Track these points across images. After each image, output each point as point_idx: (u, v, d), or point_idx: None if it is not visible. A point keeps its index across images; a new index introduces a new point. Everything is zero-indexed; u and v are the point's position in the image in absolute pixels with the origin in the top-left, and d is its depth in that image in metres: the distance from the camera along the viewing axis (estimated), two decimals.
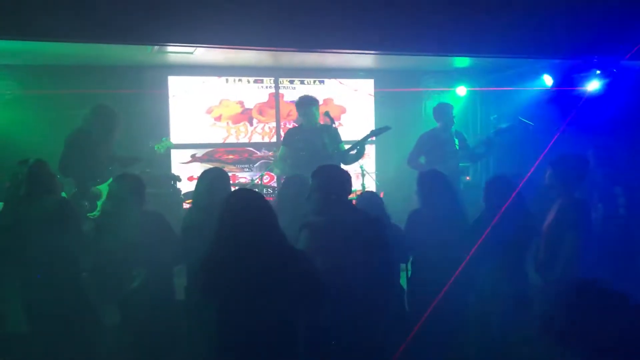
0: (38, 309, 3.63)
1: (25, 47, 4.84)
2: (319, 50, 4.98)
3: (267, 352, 2.60)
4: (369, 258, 3.22)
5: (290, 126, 6.91)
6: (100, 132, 4.96)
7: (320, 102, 5.64)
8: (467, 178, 7.03)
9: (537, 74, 6.52)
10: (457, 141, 6.08)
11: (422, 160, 5.99)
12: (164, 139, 5.78)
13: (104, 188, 4.84)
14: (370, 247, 3.26)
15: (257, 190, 4.96)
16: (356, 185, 6.63)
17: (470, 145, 6.14)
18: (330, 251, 3.16)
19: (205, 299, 2.73)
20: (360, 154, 5.49)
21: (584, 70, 6.04)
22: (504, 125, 6.02)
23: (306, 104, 5.39)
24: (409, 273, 4.16)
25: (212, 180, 3.92)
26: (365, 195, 4.44)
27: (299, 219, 3.48)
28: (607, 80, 5.90)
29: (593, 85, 5.97)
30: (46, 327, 3.59)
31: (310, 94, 5.57)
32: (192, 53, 5.60)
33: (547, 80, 6.50)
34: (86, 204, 4.81)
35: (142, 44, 4.67)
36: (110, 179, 5.07)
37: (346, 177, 3.42)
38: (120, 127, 5.06)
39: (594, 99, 5.92)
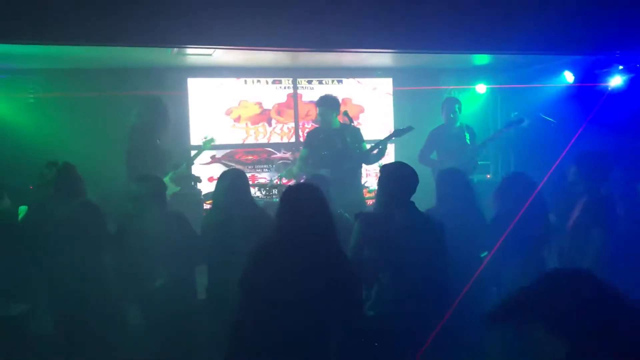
0: (63, 308, 3.68)
1: (47, 51, 4.91)
2: (337, 50, 4.97)
3: (298, 351, 2.60)
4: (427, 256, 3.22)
5: (309, 126, 6.92)
6: (155, 123, 5.18)
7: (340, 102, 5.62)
8: (488, 176, 6.98)
9: (558, 70, 6.44)
10: (467, 136, 6.04)
11: (434, 156, 5.99)
12: (206, 136, 5.86)
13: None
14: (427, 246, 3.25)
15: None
16: (375, 185, 6.61)
17: (478, 141, 6.08)
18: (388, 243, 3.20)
19: (249, 293, 2.70)
20: (381, 154, 5.49)
21: (606, 66, 5.96)
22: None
23: (327, 103, 5.40)
24: None
25: (231, 181, 3.95)
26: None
27: None
28: (630, 76, 5.81)
29: (616, 81, 5.88)
30: (71, 327, 3.64)
31: (330, 93, 5.58)
32: (211, 55, 5.62)
33: (569, 76, 6.42)
34: None
35: (162, 47, 4.69)
36: (170, 173, 5.22)
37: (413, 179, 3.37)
38: (170, 117, 5.29)
39: (617, 95, 5.83)
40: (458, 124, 6.05)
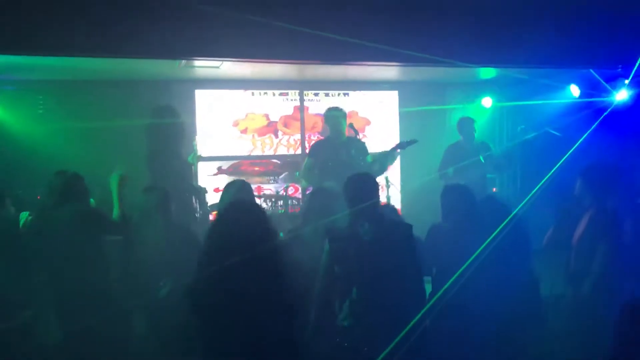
0: (68, 316, 3.69)
1: (55, 63, 4.97)
2: (343, 62, 5.02)
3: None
4: (396, 266, 3.25)
5: (315, 138, 6.94)
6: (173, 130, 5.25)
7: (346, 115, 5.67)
8: (494, 190, 6.97)
9: (564, 84, 6.45)
10: (481, 154, 6.15)
11: (451, 171, 6.08)
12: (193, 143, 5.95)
13: None
14: (397, 255, 3.29)
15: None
16: (381, 197, 6.62)
17: (495, 155, 6.21)
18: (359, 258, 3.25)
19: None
20: (386, 167, 5.53)
21: (611, 80, 5.96)
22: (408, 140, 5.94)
23: (333, 115, 5.45)
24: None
25: (236, 192, 3.97)
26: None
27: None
28: (636, 90, 5.81)
29: (621, 95, 5.88)
30: (75, 335, 3.64)
31: (337, 105, 5.64)
32: (218, 67, 5.68)
33: (574, 90, 6.43)
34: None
35: (169, 59, 4.75)
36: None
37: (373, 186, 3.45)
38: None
39: (622, 108, 5.83)
40: (474, 141, 6.21)
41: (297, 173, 6.30)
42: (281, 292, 2.63)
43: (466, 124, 6.40)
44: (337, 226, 3.47)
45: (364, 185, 3.43)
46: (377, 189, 3.46)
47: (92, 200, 4.20)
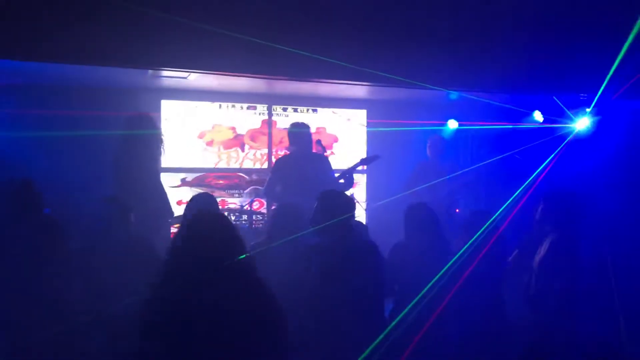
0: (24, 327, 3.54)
1: (23, 67, 4.83)
2: (311, 79, 5.02)
3: None
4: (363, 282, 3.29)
5: (282, 153, 6.90)
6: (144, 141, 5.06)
7: (313, 131, 5.65)
8: (457, 210, 7.04)
9: (529, 110, 6.59)
10: (450, 173, 6.24)
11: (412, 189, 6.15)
12: None
13: None
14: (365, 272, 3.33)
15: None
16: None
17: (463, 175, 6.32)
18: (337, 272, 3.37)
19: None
20: (350, 183, 5.52)
21: (574, 107, 6.12)
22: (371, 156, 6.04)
23: (299, 130, 5.42)
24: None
25: (201, 205, 3.90)
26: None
27: (291, 245, 3.52)
28: (597, 118, 5.97)
29: (583, 122, 6.04)
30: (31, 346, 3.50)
31: (303, 121, 5.62)
32: (185, 78, 5.60)
33: (538, 116, 6.58)
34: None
35: (137, 68, 4.66)
36: None
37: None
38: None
39: (585, 136, 5.99)
40: (442, 161, 6.29)
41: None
42: (251, 304, 2.58)
43: (436, 143, 6.48)
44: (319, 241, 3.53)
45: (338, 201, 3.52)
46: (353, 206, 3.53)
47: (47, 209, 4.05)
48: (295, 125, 5.53)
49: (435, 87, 4.82)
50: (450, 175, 6.21)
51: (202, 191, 6.20)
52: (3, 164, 5.11)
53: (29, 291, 3.52)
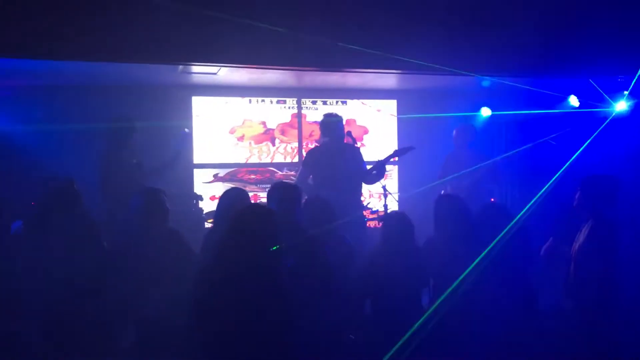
0: (57, 326, 3.62)
1: (54, 68, 4.93)
2: (341, 69, 4.99)
3: None
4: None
5: (312, 146, 6.90)
6: (120, 144, 5.04)
7: (344, 122, 5.62)
8: (492, 200, 6.93)
9: (564, 94, 6.43)
10: (479, 163, 6.14)
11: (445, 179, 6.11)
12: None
13: None
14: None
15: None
16: (378, 206, 6.58)
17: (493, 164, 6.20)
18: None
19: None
20: (381, 174, 5.48)
21: (611, 91, 5.95)
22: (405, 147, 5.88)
23: (331, 121, 5.40)
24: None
25: (233, 200, 3.92)
26: (393, 215, 4.37)
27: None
28: (635, 101, 5.80)
29: (620, 105, 5.87)
30: (64, 345, 3.58)
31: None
32: (215, 74, 5.64)
33: (574, 101, 6.42)
34: None
35: (167, 64, 4.71)
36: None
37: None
38: (135, 131, 5.15)
39: (622, 119, 5.82)
40: (471, 149, 6.18)
41: None
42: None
43: (463, 132, 6.38)
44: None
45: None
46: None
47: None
48: (328, 116, 5.51)
49: (467, 73, 4.74)
50: (479, 164, 6.10)
51: (233, 186, 6.24)
52: (43, 163, 5.22)
53: (67, 287, 3.60)
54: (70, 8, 3.77)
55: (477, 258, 3.86)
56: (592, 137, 5.55)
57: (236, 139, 6.88)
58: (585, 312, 3.72)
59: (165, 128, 6.17)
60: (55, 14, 3.75)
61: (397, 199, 6.87)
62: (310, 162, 5.45)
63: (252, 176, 6.93)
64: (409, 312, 3.67)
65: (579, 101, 6.39)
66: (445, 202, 4.11)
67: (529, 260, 4.00)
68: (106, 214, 4.77)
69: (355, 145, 5.62)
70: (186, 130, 5.89)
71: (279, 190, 3.81)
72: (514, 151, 6.34)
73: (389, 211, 5.71)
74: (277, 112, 7.04)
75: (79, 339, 3.53)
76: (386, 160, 5.46)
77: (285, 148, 7.09)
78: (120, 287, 3.69)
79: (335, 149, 5.37)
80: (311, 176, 5.42)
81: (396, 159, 5.75)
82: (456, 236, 3.88)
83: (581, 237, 3.89)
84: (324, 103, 7.19)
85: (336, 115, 5.49)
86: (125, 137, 5.10)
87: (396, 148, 6.07)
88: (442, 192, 6.30)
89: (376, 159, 5.68)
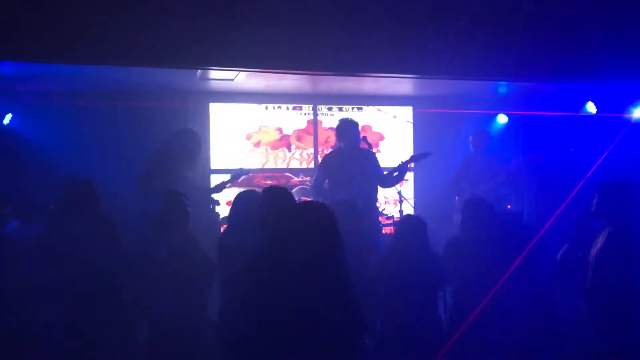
0: (76, 322, 3.67)
1: (75, 73, 5.01)
2: (357, 74, 5.02)
3: None
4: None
5: (328, 152, 6.92)
6: (181, 155, 5.06)
7: (360, 128, 5.64)
8: (508, 207, 6.89)
9: (581, 101, 6.40)
10: (494, 168, 6.12)
11: (461, 184, 6.08)
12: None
13: None
14: None
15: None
16: (394, 212, 6.58)
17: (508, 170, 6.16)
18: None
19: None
20: (399, 179, 5.50)
21: (629, 97, 5.91)
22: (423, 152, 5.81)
23: (347, 125, 5.42)
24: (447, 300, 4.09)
25: (247, 201, 3.95)
26: (406, 219, 4.38)
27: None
28: None
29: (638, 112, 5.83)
30: (82, 342, 3.62)
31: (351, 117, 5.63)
32: (233, 80, 5.70)
33: (591, 107, 6.38)
34: None
35: (184, 68, 4.76)
36: None
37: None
38: (201, 151, 5.19)
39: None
40: (488, 154, 6.17)
41: None
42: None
43: (477, 137, 6.39)
44: None
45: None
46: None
47: None
48: (343, 120, 5.54)
49: (485, 78, 4.74)
50: (496, 170, 6.08)
51: (247, 189, 6.27)
52: (64, 166, 5.30)
53: (82, 288, 3.65)
54: (88, 12, 3.83)
55: (498, 264, 3.87)
56: (612, 144, 5.52)
57: (252, 145, 6.93)
58: (602, 318, 3.68)
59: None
60: (74, 18, 3.82)
61: (412, 205, 6.87)
62: (326, 166, 5.47)
63: (268, 182, 6.97)
64: (424, 316, 3.66)
65: (596, 108, 6.36)
66: (476, 205, 4.10)
67: (546, 266, 4.00)
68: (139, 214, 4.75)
69: (371, 150, 5.63)
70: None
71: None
72: (530, 157, 6.30)
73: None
74: (293, 118, 7.08)
75: (91, 338, 3.57)
76: (404, 165, 5.47)
77: (301, 154, 7.12)
78: (136, 289, 3.75)
79: (351, 154, 5.39)
80: (327, 181, 5.44)
81: (412, 164, 5.75)
82: (481, 240, 3.88)
83: (599, 242, 3.86)
84: (340, 109, 7.22)
85: (352, 120, 5.51)
86: (189, 150, 5.11)
87: (413, 154, 6.07)
88: (457, 198, 6.28)
89: (392, 166, 5.69)
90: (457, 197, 6.25)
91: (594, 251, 3.89)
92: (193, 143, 5.16)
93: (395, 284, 3.73)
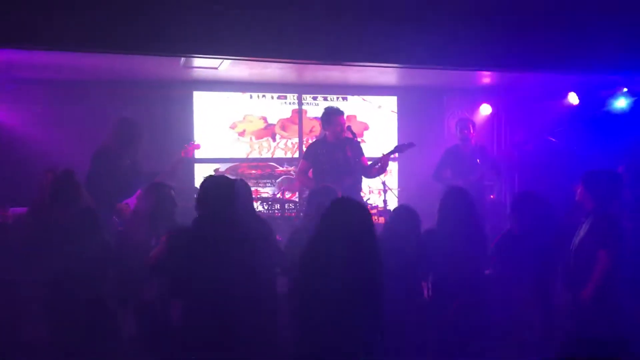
0: (59, 314, 3.63)
1: (57, 62, 4.93)
2: (342, 63, 5.00)
3: None
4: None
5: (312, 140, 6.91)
6: (123, 146, 4.95)
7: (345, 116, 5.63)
8: (492, 196, 6.95)
9: (563, 92, 6.46)
10: (478, 157, 6.09)
11: (447, 174, 6.04)
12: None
13: None
14: None
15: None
16: (378, 202, 6.58)
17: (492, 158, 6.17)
18: None
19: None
20: (382, 169, 5.50)
21: (610, 88, 5.98)
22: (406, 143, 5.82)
23: (332, 114, 5.40)
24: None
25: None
26: (400, 210, 4.37)
27: None
28: (634, 98, 5.83)
29: (620, 103, 5.90)
30: (65, 333, 3.59)
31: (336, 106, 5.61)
32: (216, 68, 5.64)
33: (573, 98, 6.44)
34: (116, 219, 4.79)
35: (168, 56, 4.70)
36: None
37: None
38: (142, 139, 5.05)
39: (621, 117, 5.85)
40: (470, 143, 6.12)
41: None
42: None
43: (461, 123, 6.26)
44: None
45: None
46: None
47: None
48: (329, 109, 5.52)
49: (470, 68, 4.75)
50: (481, 159, 6.05)
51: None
52: (44, 156, 5.22)
53: (65, 277, 3.61)
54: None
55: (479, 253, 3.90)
56: (592, 134, 5.59)
57: (237, 134, 6.88)
58: (583, 305, 3.73)
59: (166, 123, 6.21)
60: (56, 5, 3.75)
61: (396, 195, 6.90)
62: (311, 155, 5.46)
63: (253, 171, 6.95)
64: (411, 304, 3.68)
65: (579, 98, 6.42)
66: (454, 195, 4.08)
67: (529, 255, 4.02)
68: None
69: (355, 139, 5.63)
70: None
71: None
72: (513, 147, 6.34)
73: (388, 207, 5.73)
74: (278, 107, 7.05)
75: (76, 329, 3.54)
76: (387, 156, 5.48)
77: (285, 143, 7.10)
78: (123, 281, 3.73)
79: (336, 143, 5.38)
80: (311, 170, 5.43)
81: (396, 155, 5.76)
82: (462, 229, 3.87)
83: (582, 231, 3.90)
84: (325, 99, 7.20)
85: (337, 109, 5.50)
86: (129, 139, 5.00)
87: (397, 145, 6.06)
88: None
89: (376, 155, 5.70)
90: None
91: (576, 240, 3.93)
92: (132, 131, 5.06)
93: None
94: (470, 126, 6.13)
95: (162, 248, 3.42)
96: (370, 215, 2.94)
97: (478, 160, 6.00)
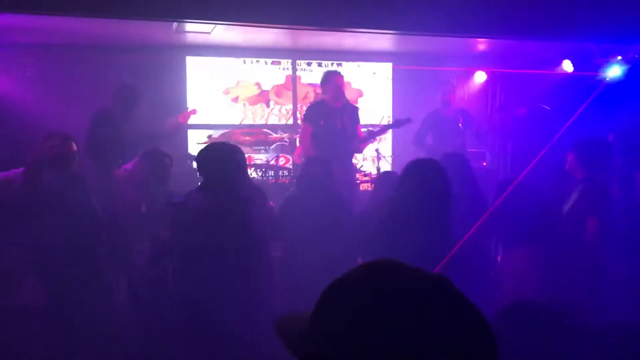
0: (52, 279, 3.67)
1: (48, 25, 4.86)
2: (336, 29, 4.95)
3: None
4: None
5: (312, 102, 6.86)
6: (122, 111, 5.00)
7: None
8: (484, 164, 6.98)
9: (558, 59, 6.43)
10: (460, 121, 6.04)
11: (429, 140, 6.02)
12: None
13: None
14: None
15: None
16: (372, 169, 6.63)
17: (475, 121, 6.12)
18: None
19: None
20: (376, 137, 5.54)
21: (605, 56, 5.96)
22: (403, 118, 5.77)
23: (332, 76, 5.37)
24: None
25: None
26: (385, 175, 4.37)
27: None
28: (628, 67, 5.82)
29: (614, 71, 5.89)
30: (59, 298, 3.63)
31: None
32: (209, 33, 5.57)
33: (568, 65, 6.42)
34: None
35: (160, 20, 4.64)
36: None
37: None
38: (141, 103, 5.10)
39: (615, 85, 5.85)
40: (452, 107, 6.06)
41: None
42: None
43: (444, 89, 6.14)
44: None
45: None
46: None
47: None
48: (328, 72, 5.50)
49: (464, 35, 4.72)
50: (463, 121, 6.00)
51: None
52: (35, 121, 5.18)
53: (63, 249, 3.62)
54: None
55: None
56: (586, 102, 5.58)
57: (230, 100, 6.84)
58: (575, 272, 3.80)
59: (159, 88, 6.15)
60: None
61: (390, 162, 6.92)
62: (312, 117, 5.42)
63: (247, 138, 6.93)
64: None
65: (573, 66, 6.40)
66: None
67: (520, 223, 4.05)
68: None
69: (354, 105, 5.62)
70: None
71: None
72: (507, 114, 6.34)
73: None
74: (272, 73, 6.99)
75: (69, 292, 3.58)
76: (383, 131, 5.49)
77: (279, 110, 7.07)
78: (114, 244, 3.76)
79: (335, 108, 5.36)
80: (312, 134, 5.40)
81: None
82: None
83: (572, 199, 3.95)
84: (319, 65, 7.14)
85: (336, 71, 5.48)
86: (130, 104, 5.05)
87: (394, 119, 6.03)
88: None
89: (371, 122, 5.71)
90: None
91: (566, 208, 3.98)
92: (133, 96, 5.09)
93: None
94: (452, 90, 6.05)
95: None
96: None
97: (460, 125, 5.96)
